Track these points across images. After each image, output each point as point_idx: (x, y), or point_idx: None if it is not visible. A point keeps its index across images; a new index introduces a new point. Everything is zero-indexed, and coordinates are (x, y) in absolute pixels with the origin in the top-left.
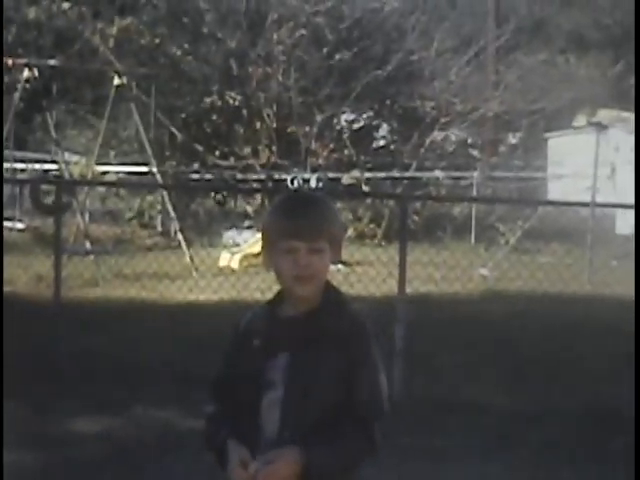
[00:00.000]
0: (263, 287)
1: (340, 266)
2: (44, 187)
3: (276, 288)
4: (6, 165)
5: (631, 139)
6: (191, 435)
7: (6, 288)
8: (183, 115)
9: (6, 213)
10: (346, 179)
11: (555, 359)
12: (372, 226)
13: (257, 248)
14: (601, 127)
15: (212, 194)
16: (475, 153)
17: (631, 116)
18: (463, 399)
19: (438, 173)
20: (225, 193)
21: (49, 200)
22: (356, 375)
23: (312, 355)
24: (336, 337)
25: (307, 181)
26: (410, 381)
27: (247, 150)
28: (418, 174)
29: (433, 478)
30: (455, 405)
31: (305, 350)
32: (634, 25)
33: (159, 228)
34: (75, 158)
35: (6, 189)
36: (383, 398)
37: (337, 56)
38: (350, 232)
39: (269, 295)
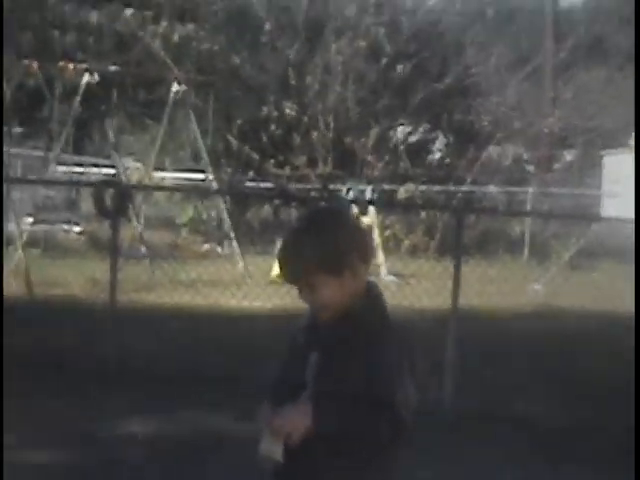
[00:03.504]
0: None
1: (393, 277)
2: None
3: None
4: (64, 168)
5: None
6: (238, 440)
7: (62, 291)
8: (240, 123)
9: (62, 216)
10: (401, 192)
11: (606, 377)
12: (426, 239)
13: None
14: None
15: (267, 203)
16: (530, 169)
17: None
18: (513, 414)
19: (493, 188)
20: (280, 202)
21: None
22: (370, 376)
23: (337, 357)
24: (361, 339)
25: (362, 192)
26: (461, 394)
27: (303, 160)
28: (473, 188)
29: None
30: (505, 420)
31: (331, 352)
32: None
33: (213, 235)
34: (132, 163)
35: (62, 193)
36: (394, 400)
37: (395, 68)
38: (404, 244)
39: None
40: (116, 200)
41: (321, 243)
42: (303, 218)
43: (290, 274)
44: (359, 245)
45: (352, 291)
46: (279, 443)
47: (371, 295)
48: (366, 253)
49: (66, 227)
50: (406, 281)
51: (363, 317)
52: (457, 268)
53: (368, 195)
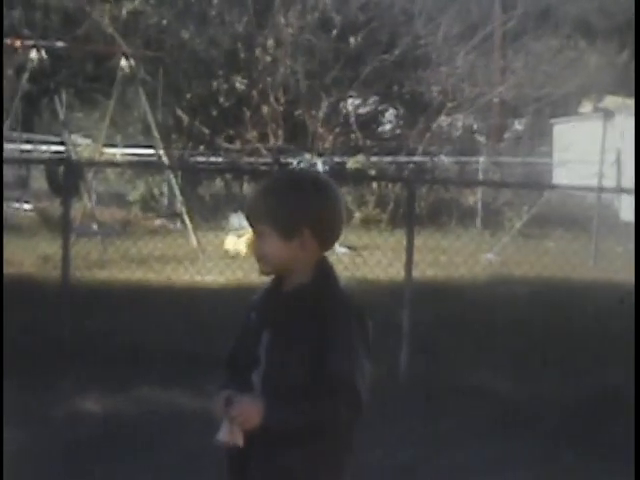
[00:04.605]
0: None
1: (346, 249)
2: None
3: None
4: (13, 146)
5: None
6: (194, 416)
7: (13, 269)
8: (189, 97)
9: (13, 194)
10: (352, 163)
11: (558, 343)
12: (377, 211)
13: None
14: (608, 113)
15: (218, 177)
16: (481, 139)
17: None
18: (468, 383)
19: (444, 158)
20: (231, 176)
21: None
22: (326, 354)
23: (290, 333)
24: (313, 315)
25: (313, 165)
26: (416, 364)
27: (254, 134)
28: (424, 159)
29: (436, 461)
30: (460, 389)
31: (284, 327)
32: (634, 20)
33: (165, 211)
34: (82, 140)
35: (13, 170)
36: (353, 379)
37: (345, 40)
38: (356, 217)
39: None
40: (67, 177)
41: (281, 201)
42: (287, 173)
43: (247, 215)
44: (318, 222)
45: (298, 258)
46: (238, 429)
47: (322, 272)
48: (325, 233)
49: (16, 205)
50: (359, 253)
51: (314, 295)
52: (410, 239)
53: (319, 167)
